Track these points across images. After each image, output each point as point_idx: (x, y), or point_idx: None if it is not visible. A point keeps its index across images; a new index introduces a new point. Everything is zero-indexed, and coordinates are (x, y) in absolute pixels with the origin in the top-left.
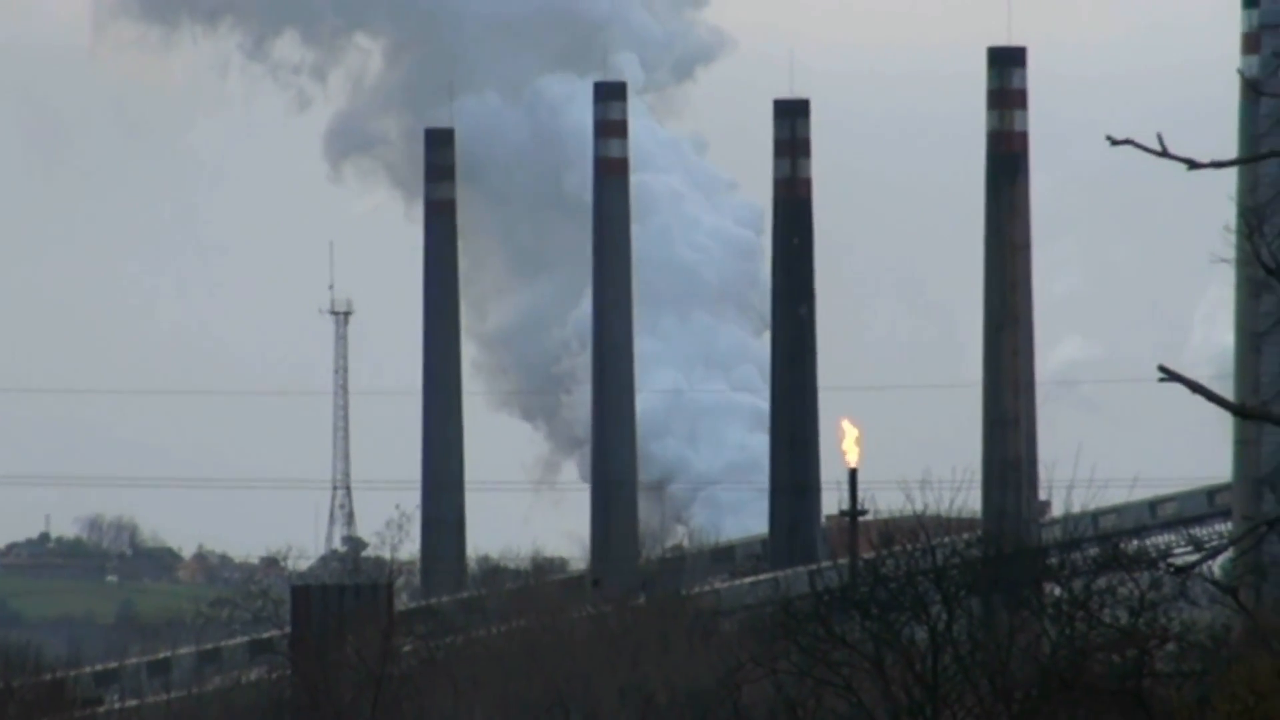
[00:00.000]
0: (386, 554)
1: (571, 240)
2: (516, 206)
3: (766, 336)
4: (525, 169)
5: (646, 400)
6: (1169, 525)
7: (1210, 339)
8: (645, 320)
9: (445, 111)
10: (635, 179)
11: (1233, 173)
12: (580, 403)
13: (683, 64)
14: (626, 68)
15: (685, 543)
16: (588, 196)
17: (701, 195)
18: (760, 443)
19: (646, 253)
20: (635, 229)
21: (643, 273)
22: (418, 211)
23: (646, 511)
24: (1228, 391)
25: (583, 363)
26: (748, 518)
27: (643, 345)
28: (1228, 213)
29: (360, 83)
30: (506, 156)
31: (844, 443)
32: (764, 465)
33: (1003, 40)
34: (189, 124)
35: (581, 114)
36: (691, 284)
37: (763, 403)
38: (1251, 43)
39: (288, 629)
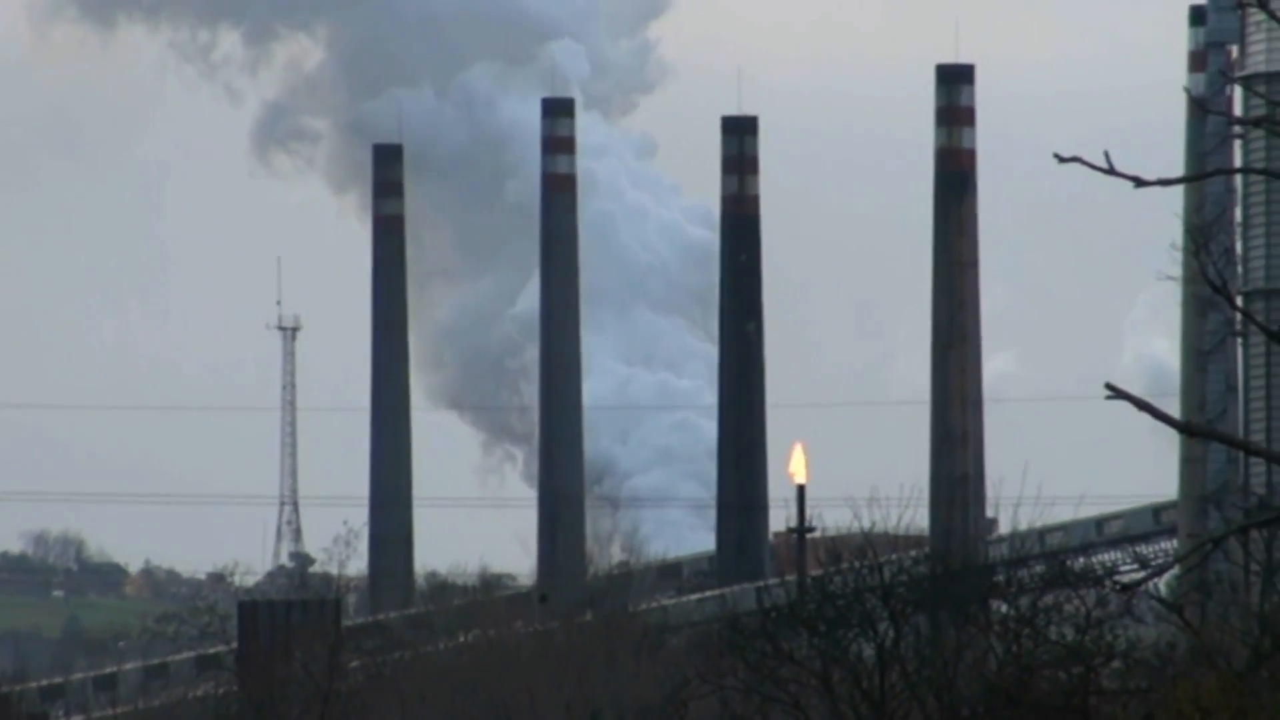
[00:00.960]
0: (334, 570)
1: (513, 234)
2: (456, 201)
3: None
4: (464, 164)
5: (590, 396)
6: (1115, 543)
7: (1150, 355)
8: (592, 319)
9: (381, 105)
10: (581, 163)
11: (1179, 191)
12: (522, 399)
13: (630, 82)
14: (574, 75)
15: (628, 557)
16: (530, 195)
17: (650, 196)
18: (699, 439)
19: (593, 246)
20: (582, 220)
21: (589, 272)
22: (350, 206)
23: (594, 518)
24: (1173, 409)
25: (529, 358)
26: (688, 532)
27: (589, 341)
28: (1174, 231)
29: (295, 77)
30: (445, 151)
31: (791, 464)
32: (701, 464)
33: (951, 58)
34: (130, 132)
35: (518, 107)
36: (639, 282)
37: (708, 399)
38: (1198, 61)
39: (234, 645)
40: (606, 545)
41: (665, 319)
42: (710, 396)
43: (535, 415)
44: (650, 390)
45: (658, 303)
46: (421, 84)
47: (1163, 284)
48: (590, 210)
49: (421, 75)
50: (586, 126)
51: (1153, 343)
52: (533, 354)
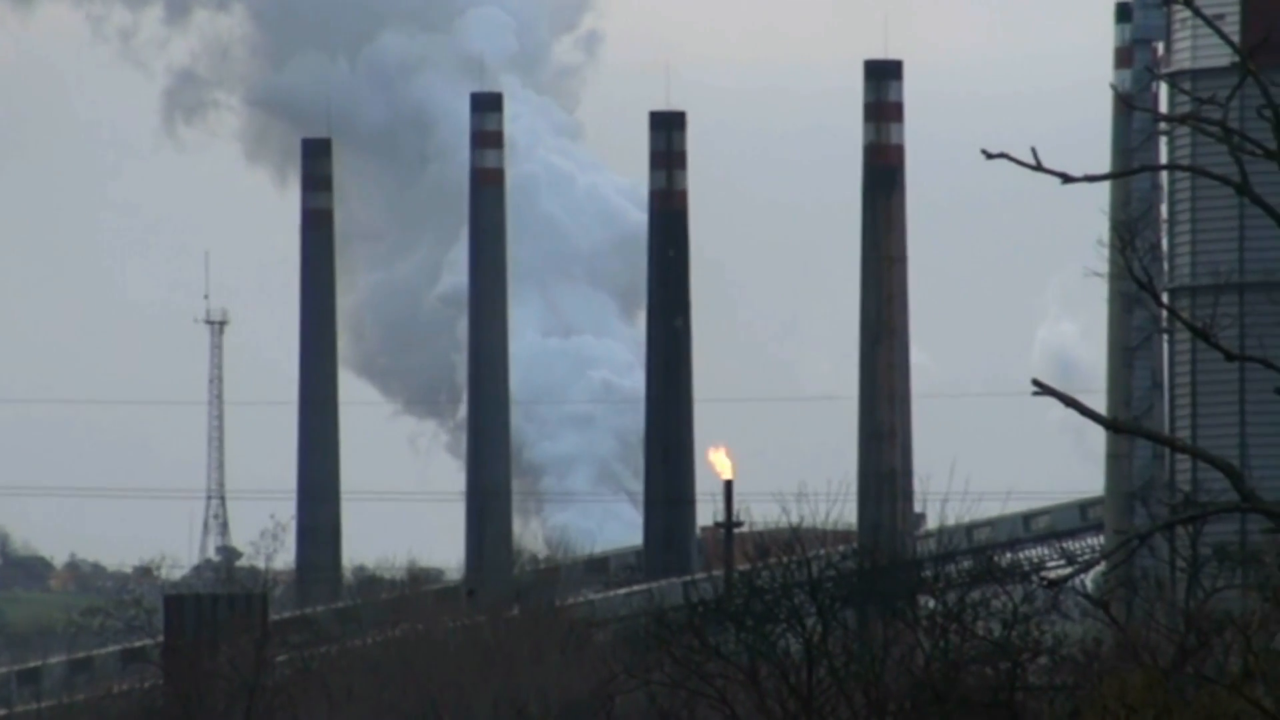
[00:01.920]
0: (261, 563)
1: (435, 208)
2: (378, 172)
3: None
4: (382, 132)
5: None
6: (1042, 539)
7: (1062, 349)
8: (518, 293)
9: (298, 75)
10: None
11: (1106, 187)
12: (445, 370)
13: (558, 74)
14: (506, 84)
15: (553, 551)
16: (451, 167)
17: (575, 165)
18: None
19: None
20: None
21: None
22: (264, 180)
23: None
24: (1095, 404)
25: (454, 327)
26: (608, 521)
27: (514, 315)
28: (1101, 227)
29: (212, 48)
30: (366, 121)
31: (715, 464)
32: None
33: (879, 54)
34: (50, 117)
35: (434, 79)
36: (563, 252)
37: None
38: (1124, 57)
39: (160, 638)
40: (529, 520)
41: (590, 289)
42: (634, 367)
43: (461, 377)
44: (570, 357)
45: (581, 273)
46: (339, 53)
47: (1080, 278)
48: (515, 173)
49: (339, 44)
50: (511, 91)
51: (1066, 337)
52: (460, 326)
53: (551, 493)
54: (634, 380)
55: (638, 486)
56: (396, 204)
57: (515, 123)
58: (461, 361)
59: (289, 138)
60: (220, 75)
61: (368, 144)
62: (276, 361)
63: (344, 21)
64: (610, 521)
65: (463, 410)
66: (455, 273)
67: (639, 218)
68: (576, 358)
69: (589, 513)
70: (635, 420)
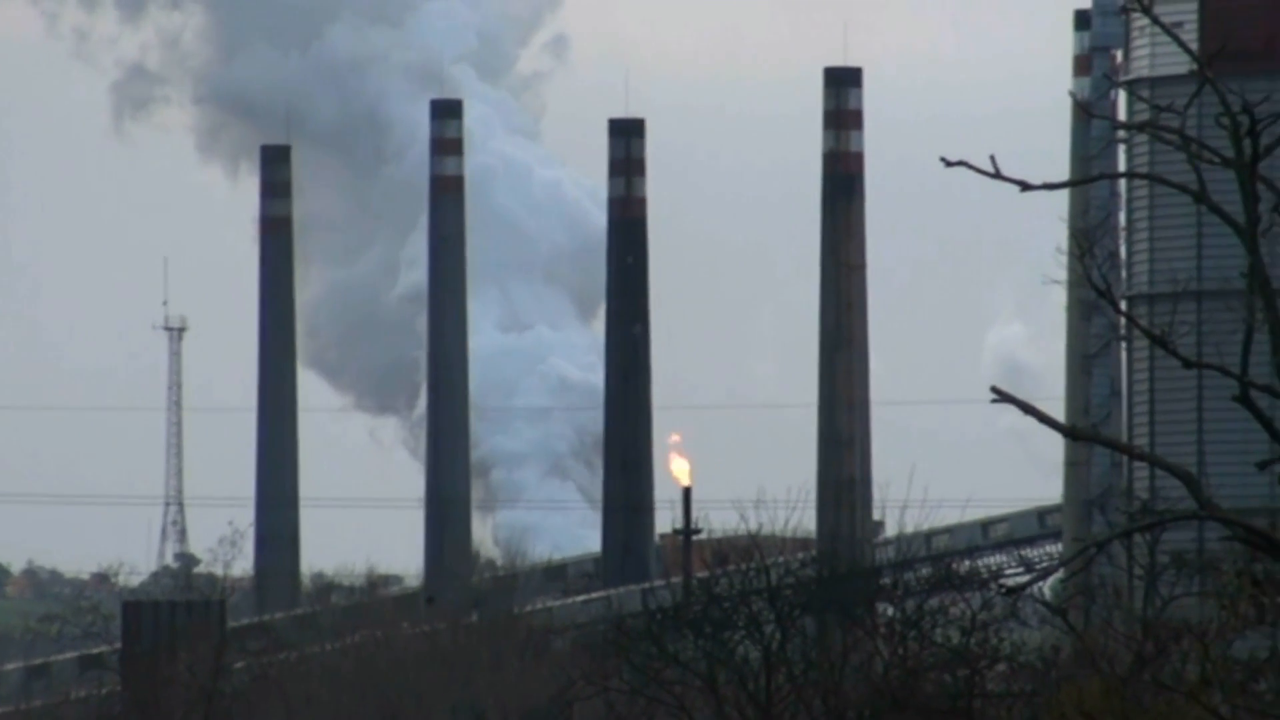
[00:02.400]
0: (219, 570)
1: (392, 203)
2: (334, 167)
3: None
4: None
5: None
6: (1000, 546)
7: (1013, 357)
8: (475, 290)
9: (251, 69)
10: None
11: (1065, 195)
12: (406, 368)
13: (519, 83)
14: (463, 79)
15: (511, 559)
16: (407, 160)
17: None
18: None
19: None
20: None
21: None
22: (218, 176)
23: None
24: (1058, 412)
25: (414, 323)
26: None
27: (471, 310)
28: (1060, 235)
29: (165, 42)
30: (320, 117)
31: (672, 469)
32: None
33: (839, 61)
34: (6, 118)
35: (389, 73)
36: (519, 247)
37: (589, 375)
38: (1083, 65)
39: (118, 645)
40: (485, 516)
41: (546, 286)
42: (594, 365)
43: (421, 375)
44: (526, 353)
45: (538, 268)
46: (291, 48)
47: (1039, 285)
48: (471, 165)
49: (292, 38)
50: (468, 85)
51: (1019, 344)
52: (421, 322)
53: (504, 486)
54: (591, 376)
55: (592, 482)
56: (353, 199)
57: (470, 114)
58: (423, 358)
59: (242, 133)
60: (171, 70)
61: (323, 140)
62: (235, 368)
63: (297, 14)
64: (564, 520)
65: (422, 405)
66: (415, 270)
67: (598, 217)
68: (532, 353)
69: (547, 519)
70: (592, 416)
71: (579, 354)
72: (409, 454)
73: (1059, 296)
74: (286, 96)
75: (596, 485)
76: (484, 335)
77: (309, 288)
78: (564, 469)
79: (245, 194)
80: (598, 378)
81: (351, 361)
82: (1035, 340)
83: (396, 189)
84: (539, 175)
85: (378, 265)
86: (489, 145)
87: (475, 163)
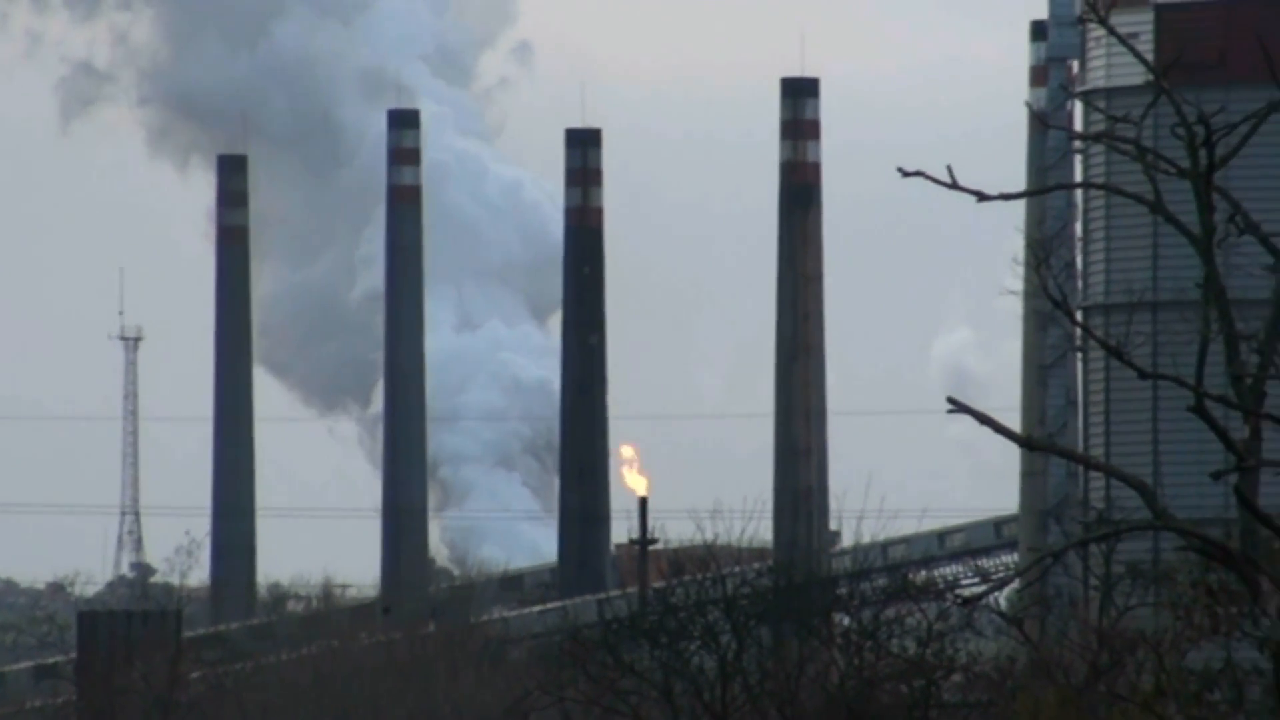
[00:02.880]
0: (175, 580)
1: (347, 202)
2: (287, 166)
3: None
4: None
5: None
6: (957, 556)
7: (961, 366)
8: (430, 290)
9: (196, 65)
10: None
11: (1021, 205)
12: (365, 370)
13: (480, 92)
14: (420, 87)
15: (467, 569)
16: (360, 158)
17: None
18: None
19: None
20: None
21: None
22: (168, 173)
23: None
24: (1014, 423)
25: (372, 323)
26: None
27: (429, 309)
28: (1016, 245)
29: (115, 39)
30: (272, 114)
31: (625, 473)
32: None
33: (796, 72)
34: None
35: (341, 73)
36: (474, 247)
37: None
38: (1039, 76)
39: (74, 655)
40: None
41: (499, 288)
42: (551, 368)
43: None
44: (479, 351)
45: (493, 269)
46: (241, 45)
47: (995, 295)
48: (427, 161)
49: (242, 34)
50: (420, 81)
51: (973, 353)
52: (377, 321)
53: (453, 484)
54: (544, 374)
55: (542, 478)
56: (307, 196)
57: (425, 112)
58: (380, 360)
59: (192, 134)
60: (119, 68)
61: (275, 138)
62: (192, 378)
63: (247, 13)
64: (517, 525)
65: (378, 403)
66: (371, 269)
67: (556, 222)
68: (485, 352)
69: (497, 527)
70: (544, 414)
71: (533, 354)
72: (366, 461)
73: (1015, 306)
74: (237, 96)
75: (546, 482)
76: (440, 336)
77: (263, 284)
78: (511, 462)
79: (197, 196)
80: (551, 375)
81: (306, 361)
82: (988, 349)
83: (351, 187)
84: (496, 175)
85: (334, 266)
86: (444, 142)
87: (430, 159)
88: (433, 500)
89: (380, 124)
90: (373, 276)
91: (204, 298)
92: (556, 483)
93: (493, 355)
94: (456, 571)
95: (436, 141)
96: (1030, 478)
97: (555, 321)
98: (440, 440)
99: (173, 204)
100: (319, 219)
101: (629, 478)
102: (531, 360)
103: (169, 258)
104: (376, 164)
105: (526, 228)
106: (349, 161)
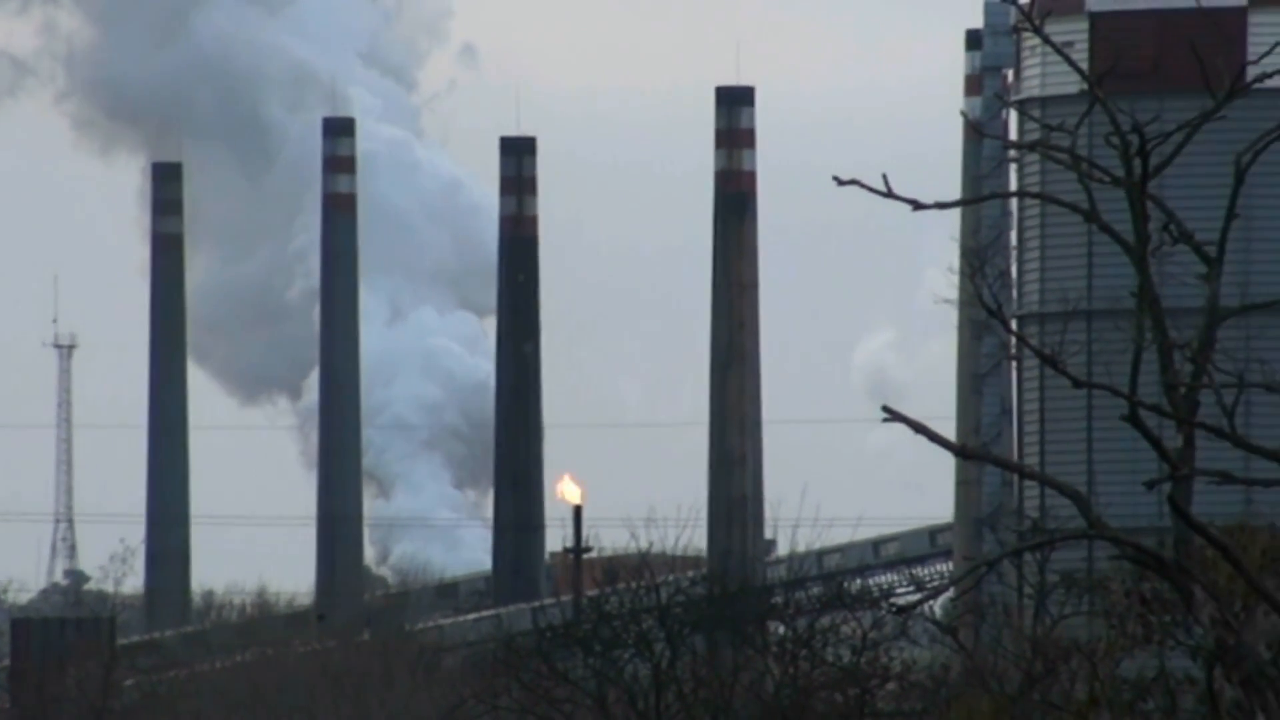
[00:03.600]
0: (109, 587)
1: (280, 196)
2: (218, 159)
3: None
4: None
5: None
6: (891, 565)
7: (882, 373)
8: (364, 280)
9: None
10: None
11: (957, 214)
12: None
13: (417, 101)
14: (356, 98)
15: (386, 572)
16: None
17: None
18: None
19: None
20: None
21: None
22: (95, 169)
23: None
24: (948, 431)
25: (309, 318)
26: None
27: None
28: (951, 254)
29: (33, 26)
30: (200, 105)
31: (562, 491)
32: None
33: (731, 80)
34: None
35: (270, 65)
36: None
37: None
38: (974, 85)
39: (6, 662)
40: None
41: (430, 286)
42: (485, 362)
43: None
44: (410, 343)
45: (425, 265)
46: (168, 33)
47: (930, 304)
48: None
49: (169, 23)
50: (352, 73)
51: (896, 359)
52: (313, 314)
53: (379, 472)
54: (480, 368)
55: (472, 471)
56: (238, 186)
57: (358, 103)
58: (314, 357)
59: (118, 128)
60: (42, 60)
61: (205, 130)
62: (125, 384)
63: (173, 4)
64: (457, 533)
65: (311, 397)
66: (303, 262)
67: (490, 223)
68: (416, 342)
69: (437, 537)
70: (478, 406)
71: (465, 343)
72: (302, 467)
73: (948, 314)
74: (164, 87)
75: (475, 477)
76: (372, 331)
77: (196, 276)
78: (435, 444)
79: (128, 197)
80: (484, 365)
81: (240, 356)
82: (916, 356)
83: (283, 177)
84: (431, 171)
85: (268, 260)
86: (377, 132)
87: (363, 149)
88: (367, 497)
89: (313, 116)
90: (307, 270)
91: (139, 304)
92: (490, 467)
93: (422, 345)
94: (391, 578)
95: (372, 132)
96: (965, 486)
97: (490, 325)
98: (370, 433)
99: (102, 204)
100: (251, 208)
101: (563, 487)
102: (464, 349)
103: (102, 263)
104: (307, 151)
105: (462, 231)
106: (280, 149)
